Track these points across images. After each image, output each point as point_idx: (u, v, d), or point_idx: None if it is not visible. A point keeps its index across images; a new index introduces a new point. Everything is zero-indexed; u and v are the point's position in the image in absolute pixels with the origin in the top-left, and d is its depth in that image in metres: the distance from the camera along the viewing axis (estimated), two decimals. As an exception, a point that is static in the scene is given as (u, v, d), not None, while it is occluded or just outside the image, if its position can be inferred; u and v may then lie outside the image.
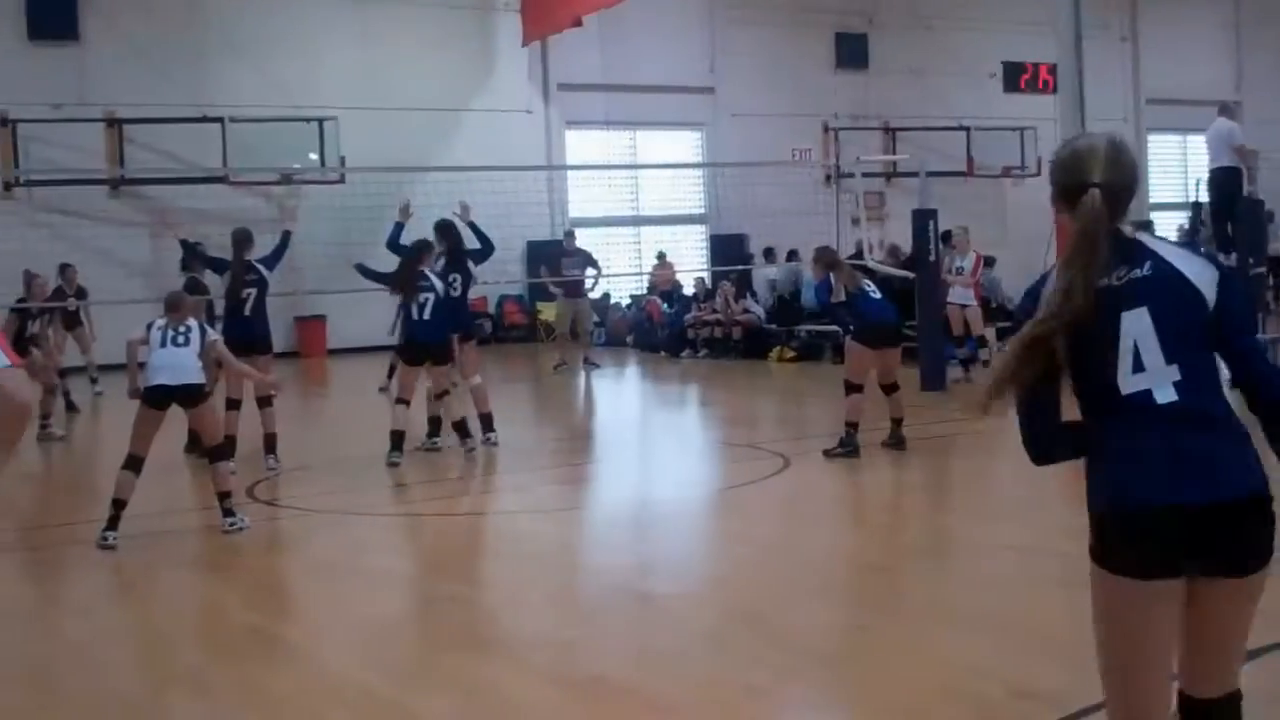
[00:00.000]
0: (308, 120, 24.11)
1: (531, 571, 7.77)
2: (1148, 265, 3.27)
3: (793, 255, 23.30)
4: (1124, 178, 3.33)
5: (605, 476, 11.76)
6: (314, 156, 24.37)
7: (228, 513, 8.81)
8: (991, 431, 12.85)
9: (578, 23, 24.06)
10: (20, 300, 15.64)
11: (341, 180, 23.75)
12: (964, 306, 15.97)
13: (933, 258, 15.63)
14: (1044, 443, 3.46)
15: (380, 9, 25.38)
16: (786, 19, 28.95)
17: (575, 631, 6.45)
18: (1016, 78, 29.94)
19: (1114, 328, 3.24)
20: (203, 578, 8.03)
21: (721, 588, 7.42)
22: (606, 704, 5.45)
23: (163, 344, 8.79)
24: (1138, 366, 3.23)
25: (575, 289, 20.80)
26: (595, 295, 22.11)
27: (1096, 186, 3.29)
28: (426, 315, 11.41)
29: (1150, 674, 3.23)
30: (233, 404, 11.44)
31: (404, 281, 11.59)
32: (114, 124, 23.42)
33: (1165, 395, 3.22)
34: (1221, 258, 16.05)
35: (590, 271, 20.98)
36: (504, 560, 8.35)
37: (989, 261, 18.09)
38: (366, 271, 12.53)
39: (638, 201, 28.26)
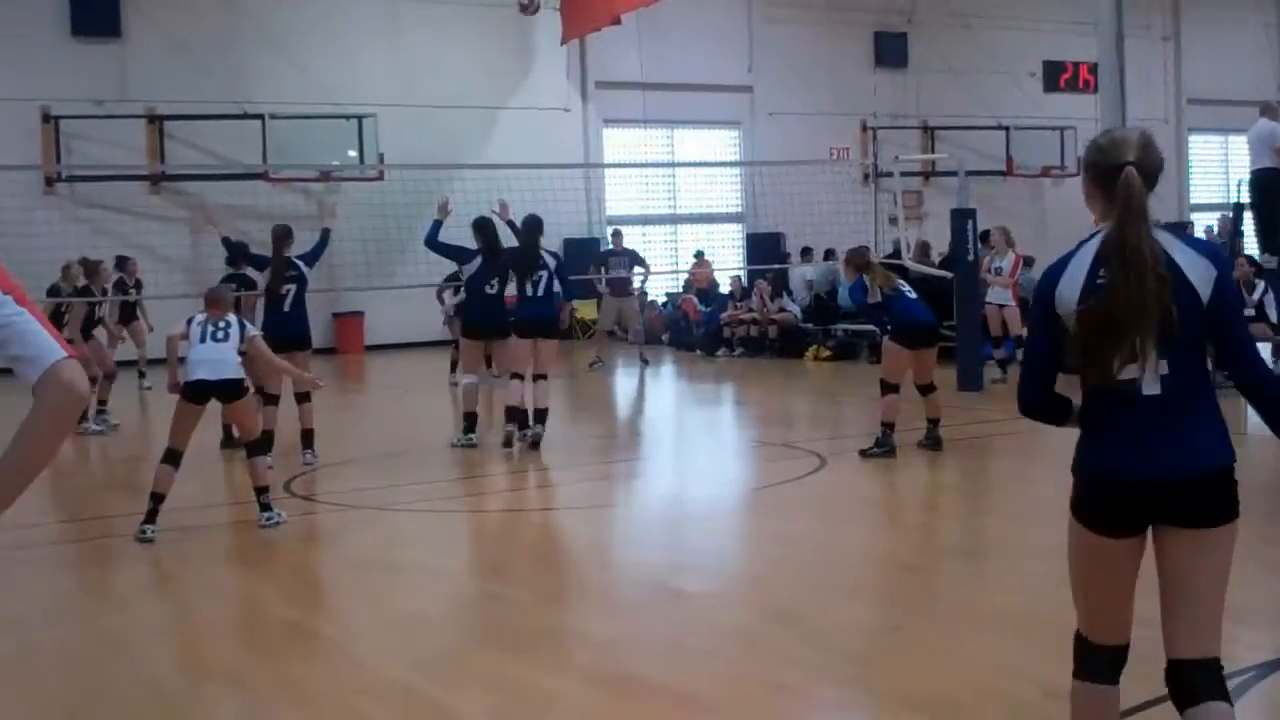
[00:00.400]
0: (347, 117, 24.23)
1: (567, 568, 7.81)
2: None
3: (830, 255, 23.24)
4: (1154, 162, 3.66)
5: (640, 474, 11.76)
6: (353, 154, 24.49)
7: (265, 508, 8.87)
8: (1027, 432, 12.84)
9: (616, 21, 24.06)
10: (84, 287, 15.78)
11: (380, 177, 23.90)
12: (1002, 307, 15.90)
13: (971, 257, 15.56)
14: (1036, 402, 3.87)
15: (419, 7, 25.49)
16: (825, 18, 28.91)
17: (611, 629, 6.47)
18: (1057, 77, 29.83)
19: None
20: (239, 572, 8.09)
21: (755, 586, 7.43)
22: (641, 701, 5.46)
23: (202, 339, 8.88)
24: (1131, 357, 3.52)
25: (622, 287, 20.92)
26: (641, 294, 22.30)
27: (1131, 165, 3.59)
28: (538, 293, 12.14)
29: (1106, 592, 3.77)
30: (270, 399, 11.52)
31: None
32: (155, 120, 23.61)
33: (1151, 388, 3.55)
34: (1268, 258, 16.14)
35: (638, 270, 21.13)
36: (540, 557, 8.39)
37: (1028, 262, 17.98)
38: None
39: (675, 200, 28.28)
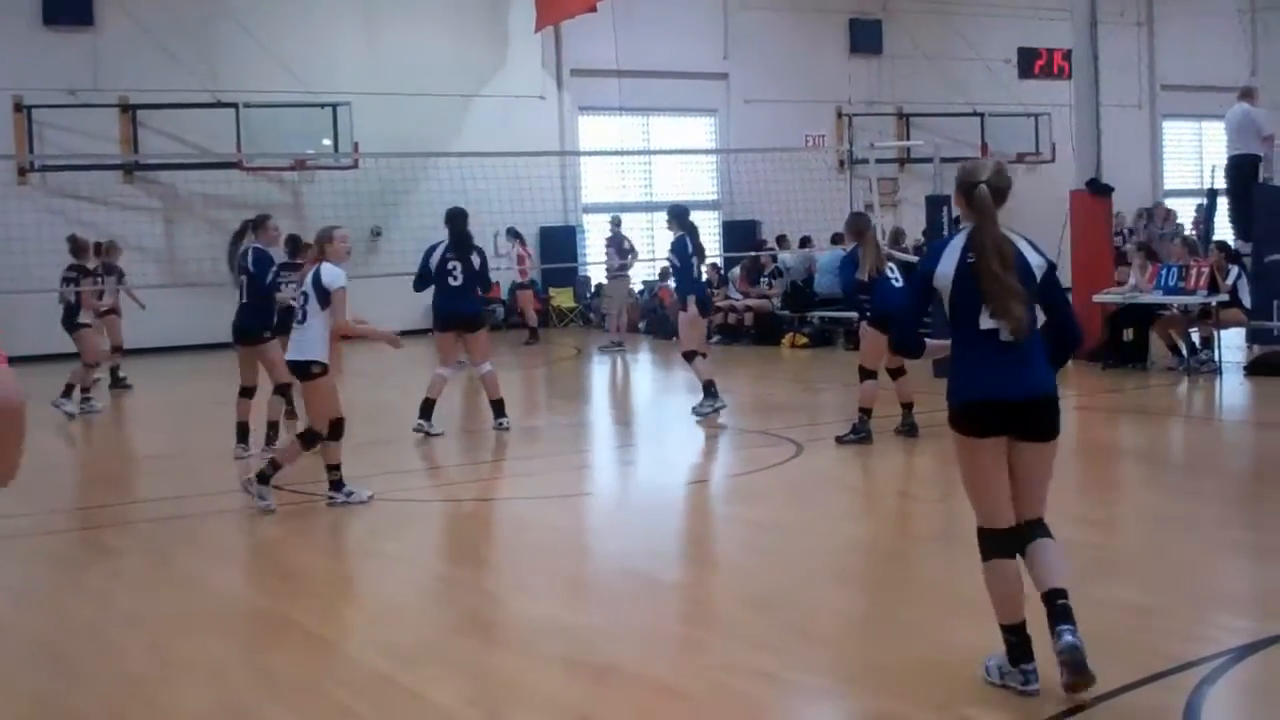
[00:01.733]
0: (321, 106, 24.14)
1: (543, 557, 7.78)
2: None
3: (805, 242, 23.25)
4: (1003, 182, 5.19)
5: (618, 462, 11.77)
6: (327, 142, 24.38)
7: (335, 485, 9.21)
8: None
9: (591, 8, 24.04)
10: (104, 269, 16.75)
11: (355, 166, 23.81)
12: (977, 293, 15.89)
13: (947, 244, 15.57)
14: (909, 342, 5.67)
15: (393, -6, 25.40)
16: (800, 5, 28.95)
17: (586, 617, 6.46)
18: (1031, 64, 29.89)
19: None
20: (217, 564, 8.03)
21: (733, 573, 7.43)
22: (617, 690, 5.46)
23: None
24: (991, 314, 5.10)
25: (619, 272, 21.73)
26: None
27: (984, 183, 5.14)
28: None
29: (991, 490, 5.25)
30: (246, 391, 11.50)
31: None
32: (128, 109, 23.48)
33: (1005, 334, 5.10)
34: (1239, 244, 16.22)
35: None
36: (515, 546, 8.36)
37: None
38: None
39: (651, 187, 28.24)
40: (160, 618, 6.74)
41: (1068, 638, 5.07)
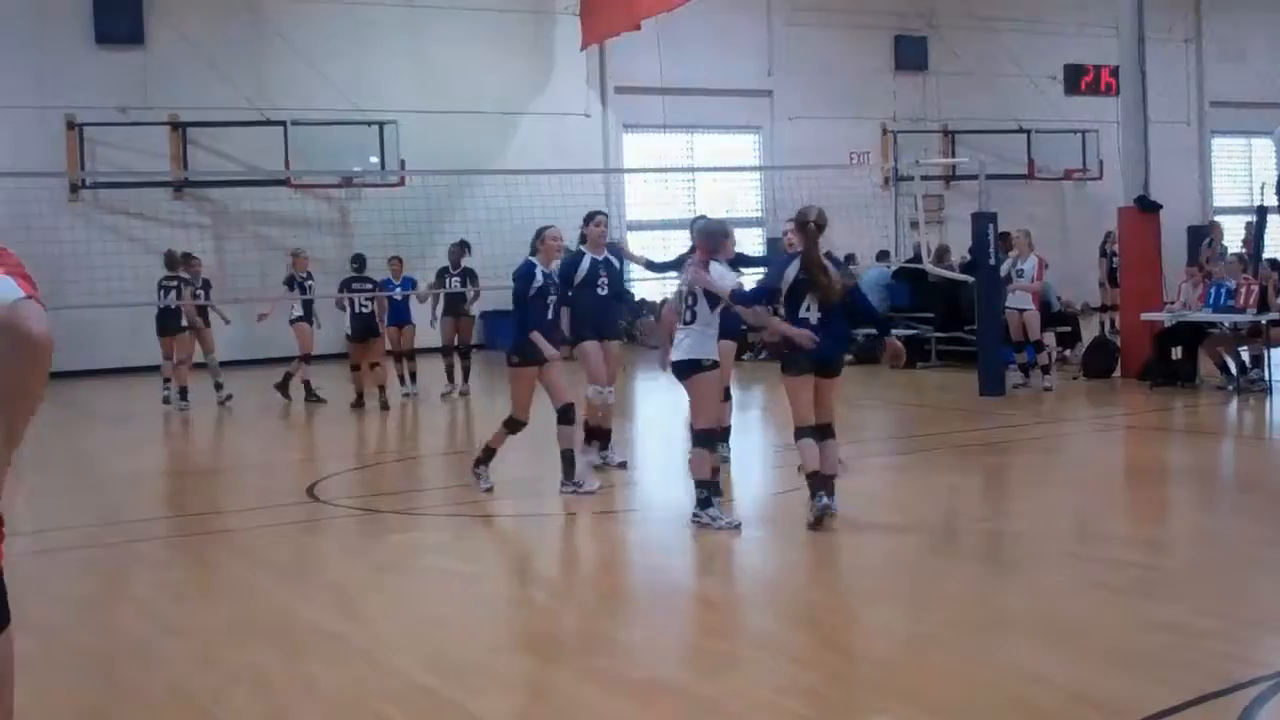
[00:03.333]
0: (368, 123, 24.32)
1: (591, 573, 7.80)
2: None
3: (850, 259, 23.17)
4: (822, 221, 8.54)
5: (663, 479, 11.74)
6: (374, 160, 24.56)
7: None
8: (1050, 437, 12.85)
9: (636, 26, 24.14)
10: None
11: (401, 183, 23.97)
12: (1022, 311, 15.81)
13: (992, 261, 15.51)
14: (750, 304, 8.97)
15: (439, 13, 25.55)
16: (845, 21, 28.90)
17: (632, 633, 6.46)
18: (1078, 80, 29.77)
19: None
20: (266, 575, 8.09)
21: (777, 590, 7.42)
22: (660, 707, 5.46)
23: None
24: (807, 309, 8.49)
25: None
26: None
27: (811, 221, 8.51)
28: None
29: (805, 403, 8.57)
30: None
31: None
32: (178, 127, 23.74)
33: (815, 320, 8.44)
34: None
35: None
36: (564, 561, 8.39)
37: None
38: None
39: (695, 204, 28.25)
40: (209, 630, 6.80)
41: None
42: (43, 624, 6.92)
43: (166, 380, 17.55)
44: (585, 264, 10.93)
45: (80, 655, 6.50)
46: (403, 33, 25.43)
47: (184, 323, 17.40)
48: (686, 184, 28.28)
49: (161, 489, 11.76)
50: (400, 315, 17.59)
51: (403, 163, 24.15)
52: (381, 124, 24.36)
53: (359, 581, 7.83)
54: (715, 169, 28.19)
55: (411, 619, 6.82)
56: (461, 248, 18.21)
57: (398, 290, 17.51)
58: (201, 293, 18.06)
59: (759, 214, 28.91)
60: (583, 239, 11.20)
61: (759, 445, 13.44)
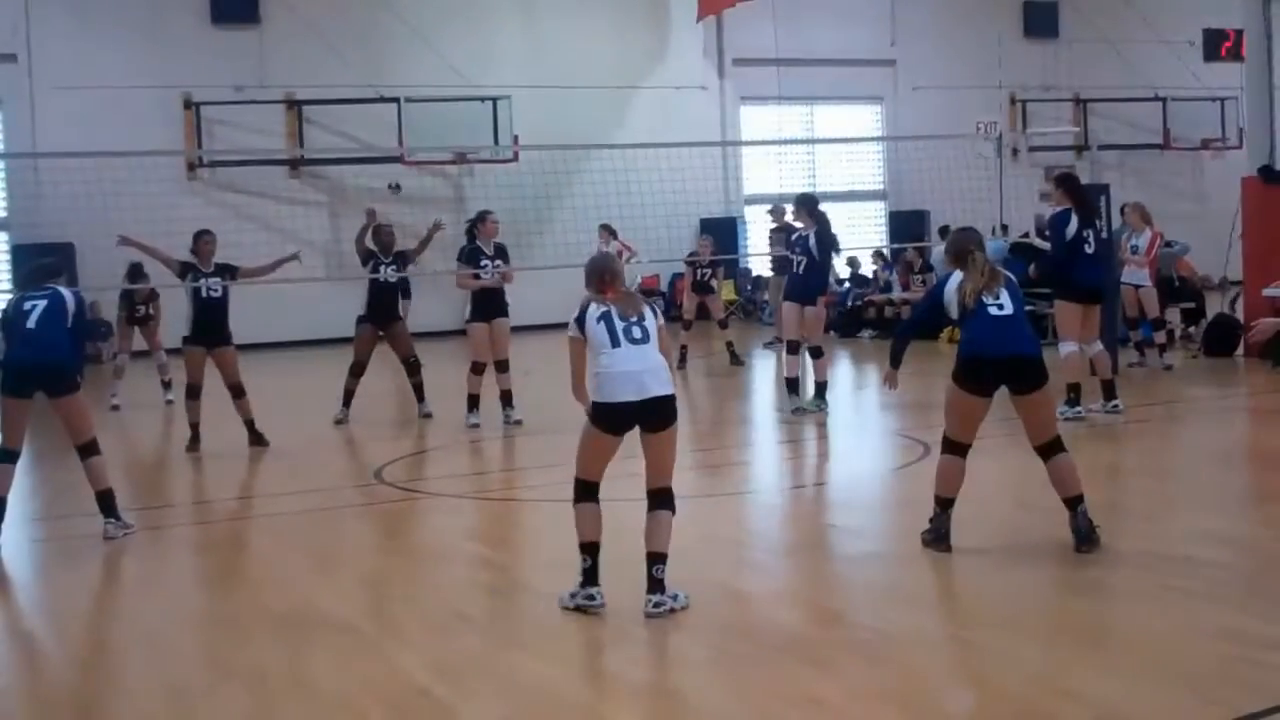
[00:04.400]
0: (482, 100, 24.22)
1: (621, 564, 7.44)
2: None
3: (944, 230, 22.53)
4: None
5: (737, 464, 11.36)
6: (488, 136, 24.45)
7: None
8: (1158, 420, 12.20)
9: (752, -5, 23.72)
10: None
11: (515, 159, 23.83)
12: (1138, 287, 15.08)
13: (1105, 235, 14.78)
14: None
15: (554, -13, 25.40)
16: (972, -13, 28.11)
17: (652, 632, 6.13)
18: (1218, 45, 28.41)
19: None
20: (301, 565, 7.94)
21: (811, 587, 7.07)
22: (652, 711, 5.18)
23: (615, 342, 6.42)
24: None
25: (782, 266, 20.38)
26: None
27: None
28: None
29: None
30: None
31: None
32: (293, 105, 23.94)
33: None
34: None
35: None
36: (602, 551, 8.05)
37: (1167, 242, 17.12)
38: None
39: (814, 178, 27.70)
40: (224, 621, 6.67)
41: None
42: (53, 614, 6.90)
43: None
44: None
45: (91, 646, 6.42)
46: (516, 7, 25.32)
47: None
48: (806, 156, 27.72)
49: (146, 480, 11.41)
50: None
51: (515, 138, 23.99)
52: (495, 100, 24.25)
53: (386, 572, 7.65)
54: (833, 140, 27.55)
55: (430, 613, 6.61)
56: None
57: None
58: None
59: (882, 186, 28.25)
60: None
61: (858, 427, 13.00)
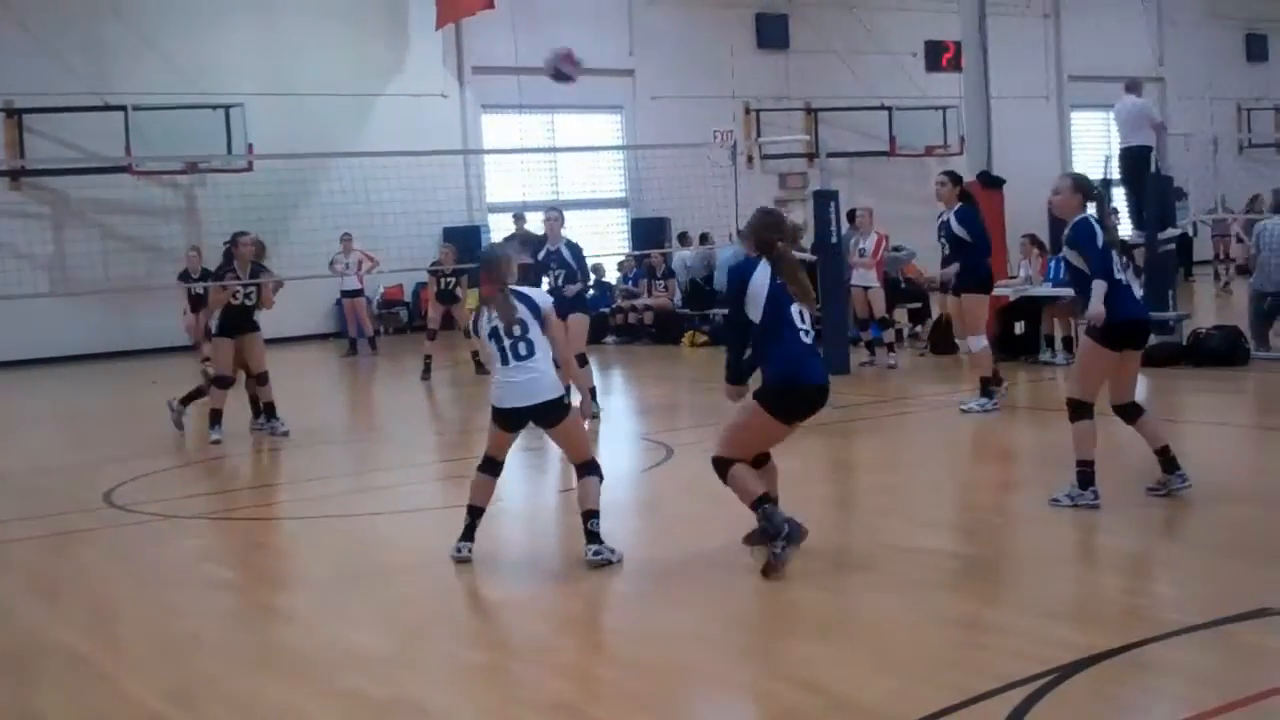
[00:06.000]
0: (213, 108, 23.59)
1: (365, 580, 7.32)
2: None
3: (704, 239, 23.00)
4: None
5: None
6: (220, 144, 23.78)
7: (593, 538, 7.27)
8: (891, 416, 12.68)
9: (489, 4, 23.70)
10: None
11: (249, 168, 23.27)
12: (867, 289, 15.67)
13: (835, 239, 15.33)
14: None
15: (288, -7, 24.89)
16: (706, 0, 28.68)
17: (390, 646, 6.05)
18: (939, 57, 29.75)
19: None
20: (22, 591, 7.60)
21: (561, 593, 7.09)
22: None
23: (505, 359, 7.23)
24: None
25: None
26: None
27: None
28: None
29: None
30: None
31: None
32: (13, 114, 22.88)
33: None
34: (1134, 233, 16.12)
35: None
36: (346, 568, 7.90)
37: (896, 249, 17.84)
38: None
39: (557, 186, 27.85)
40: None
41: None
42: None
43: None
44: None
45: None
46: (250, 12, 24.71)
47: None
48: (548, 165, 27.83)
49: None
50: None
51: (250, 147, 23.44)
52: (228, 107, 23.65)
53: (123, 596, 7.35)
54: (575, 149, 27.75)
55: (164, 637, 6.39)
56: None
57: None
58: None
59: (623, 195, 28.57)
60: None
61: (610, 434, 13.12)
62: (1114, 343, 7.97)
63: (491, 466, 7.42)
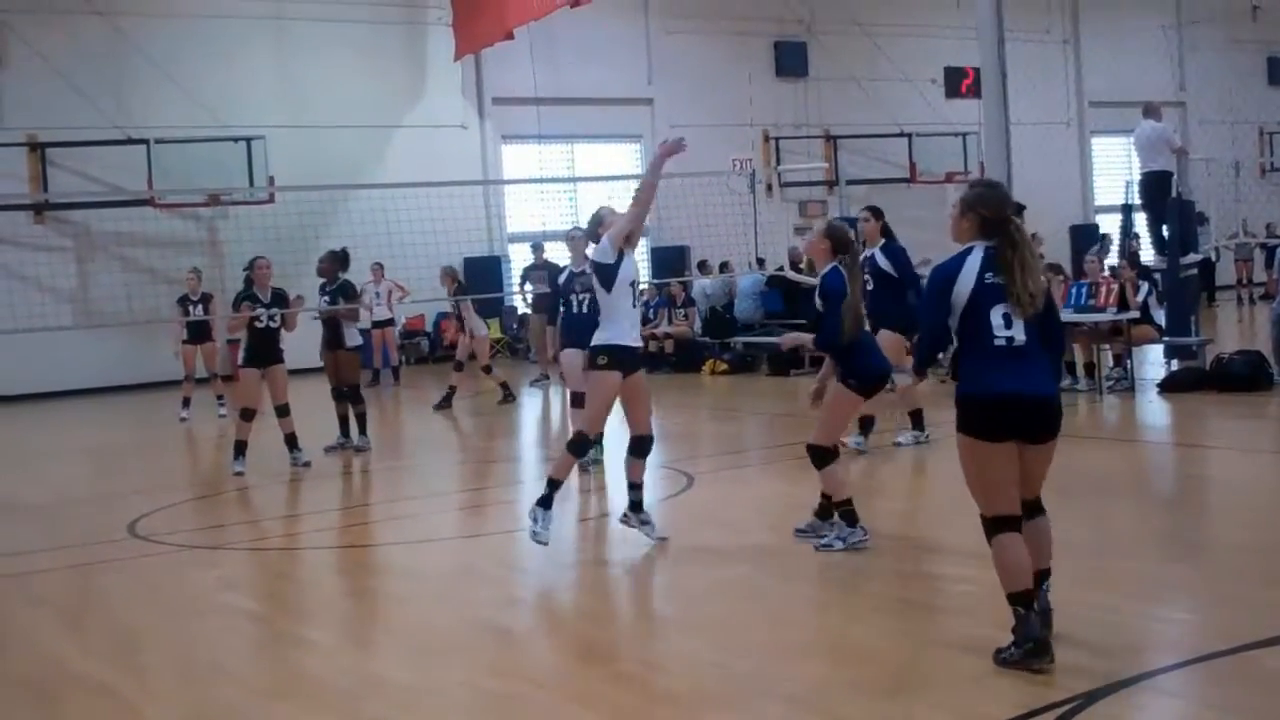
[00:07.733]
0: (235, 140, 23.74)
1: (382, 611, 7.35)
2: None
3: (724, 267, 23.04)
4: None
5: (502, 502, 11.32)
6: (243, 177, 23.91)
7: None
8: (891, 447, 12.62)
9: (509, 35, 23.78)
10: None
11: (271, 200, 23.38)
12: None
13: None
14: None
15: (308, 26, 25.07)
16: (724, 28, 28.78)
17: (413, 676, 6.07)
18: (958, 83, 29.76)
19: None
20: (49, 621, 7.63)
21: (582, 622, 7.09)
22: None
23: None
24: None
25: (542, 303, 20.00)
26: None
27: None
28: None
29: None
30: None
31: None
32: (36, 148, 23.05)
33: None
34: (1155, 258, 16.11)
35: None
36: (358, 597, 7.94)
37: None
38: None
39: (577, 215, 27.89)
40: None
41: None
42: None
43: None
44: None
45: None
46: (269, 46, 24.92)
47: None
48: (568, 194, 27.93)
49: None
50: None
51: (271, 179, 23.57)
52: (249, 140, 23.80)
53: (145, 627, 7.38)
54: (594, 178, 27.80)
55: (189, 667, 6.41)
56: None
57: None
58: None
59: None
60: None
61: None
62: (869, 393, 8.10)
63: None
